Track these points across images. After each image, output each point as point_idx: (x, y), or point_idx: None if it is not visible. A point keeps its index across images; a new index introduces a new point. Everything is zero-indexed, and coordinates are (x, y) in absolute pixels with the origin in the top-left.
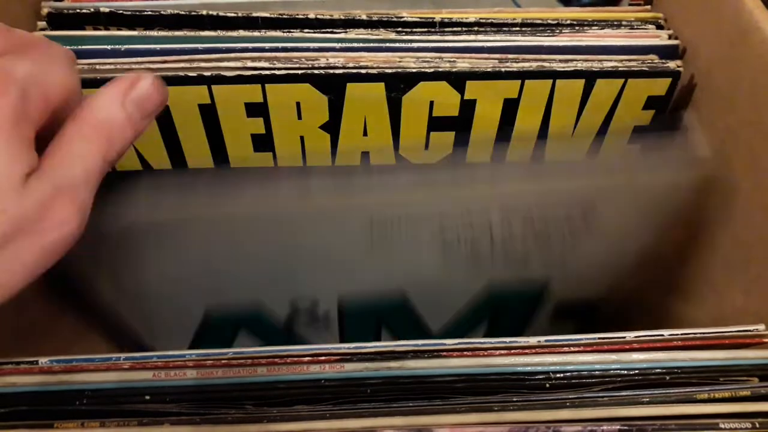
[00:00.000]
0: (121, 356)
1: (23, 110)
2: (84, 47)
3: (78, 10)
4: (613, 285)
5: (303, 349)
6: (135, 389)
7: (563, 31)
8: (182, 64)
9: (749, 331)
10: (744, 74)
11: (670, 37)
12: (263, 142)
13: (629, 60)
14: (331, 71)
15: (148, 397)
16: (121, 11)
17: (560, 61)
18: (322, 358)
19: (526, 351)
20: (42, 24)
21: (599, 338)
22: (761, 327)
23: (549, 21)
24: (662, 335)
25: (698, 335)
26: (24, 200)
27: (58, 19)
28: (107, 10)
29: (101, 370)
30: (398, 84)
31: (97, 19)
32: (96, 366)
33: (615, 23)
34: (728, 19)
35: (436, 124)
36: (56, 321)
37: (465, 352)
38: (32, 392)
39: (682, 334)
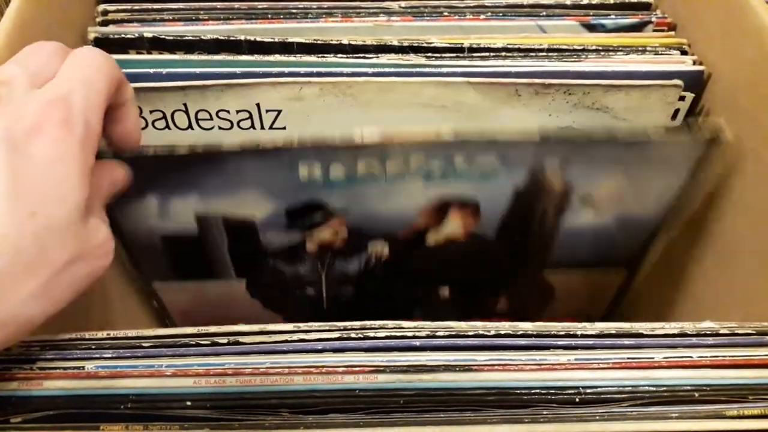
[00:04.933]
0: (162, 363)
1: (87, 140)
2: (127, 70)
3: (123, 35)
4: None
5: (338, 361)
6: (176, 395)
7: (589, 56)
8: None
9: None
10: (764, 96)
11: (694, 63)
12: None
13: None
14: None
15: (189, 403)
16: (163, 36)
17: (586, 85)
18: (357, 369)
19: (557, 367)
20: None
21: (629, 357)
22: None
23: (575, 47)
24: (691, 356)
25: (727, 357)
26: (86, 229)
27: (104, 44)
28: (150, 35)
29: (144, 377)
30: None
31: (141, 44)
32: (140, 372)
33: (640, 49)
34: (751, 44)
35: None
36: None
37: (496, 367)
38: (79, 395)
39: (711, 356)
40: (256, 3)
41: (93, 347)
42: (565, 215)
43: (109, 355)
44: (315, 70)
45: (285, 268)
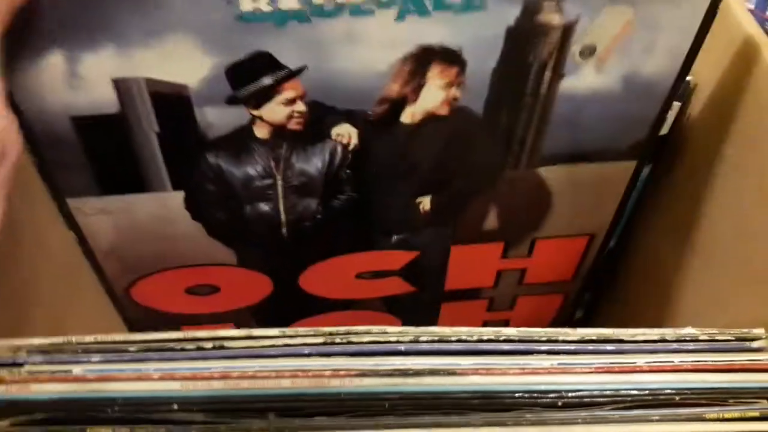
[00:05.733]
0: (150, 367)
1: None
2: None
3: None
4: None
5: (324, 365)
6: (163, 398)
7: None
8: None
9: (757, 360)
10: (748, 99)
11: None
12: None
13: None
14: None
15: (175, 406)
16: None
17: None
18: (343, 373)
19: (540, 371)
20: None
21: (611, 362)
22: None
23: None
24: (672, 361)
25: (708, 362)
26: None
27: None
28: None
29: (132, 380)
30: None
31: None
32: (127, 376)
33: None
34: (734, 53)
35: None
36: None
37: (480, 371)
38: (67, 399)
39: (692, 361)
40: None
41: (80, 351)
42: (563, 77)
43: (97, 359)
44: None
45: (231, 168)
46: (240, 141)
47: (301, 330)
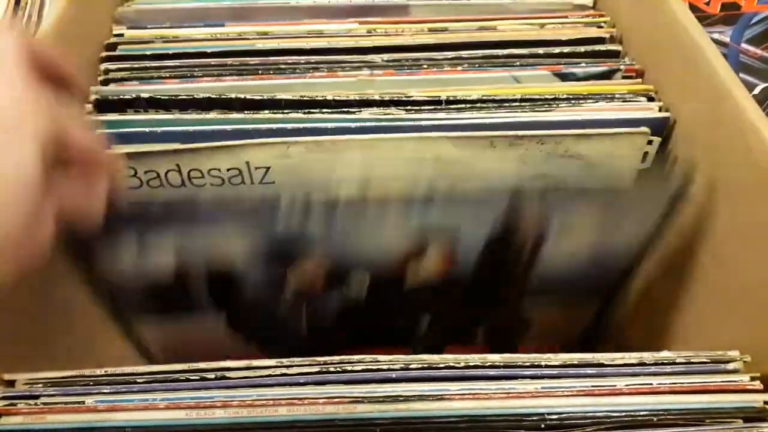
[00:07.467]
0: (156, 397)
1: None
2: (124, 130)
3: (121, 96)
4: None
5: (319, 393)
6: (169, 426)
7: (560, 105)
8: None
9: (732, 381)
10: (720, 134)
11: (660, 109)
12: None
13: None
14: None
15: None
16: (159, 96)
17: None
18: (336, 400)
19: (524, 395)
20: (89, 107)
21: (592, 385)
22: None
23: (546, 96)
24: (651, 383)
25: (685, 383)
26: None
27: (104, 104)
28: (147, 95)
29: (140, 410)
30: None
31: (138, 104)
32: (135, 406)
33: (609, 96)
34: (705, 87)
35: None
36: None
37: (467, 396)
38: (80, 428)
39: (670, 383)
40: (247, 59)
41: (92, 383)
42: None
43: (107, 391)
44: (302, 126)
45: (265, 305)
46: (273, 292)
47: (296, 360)
